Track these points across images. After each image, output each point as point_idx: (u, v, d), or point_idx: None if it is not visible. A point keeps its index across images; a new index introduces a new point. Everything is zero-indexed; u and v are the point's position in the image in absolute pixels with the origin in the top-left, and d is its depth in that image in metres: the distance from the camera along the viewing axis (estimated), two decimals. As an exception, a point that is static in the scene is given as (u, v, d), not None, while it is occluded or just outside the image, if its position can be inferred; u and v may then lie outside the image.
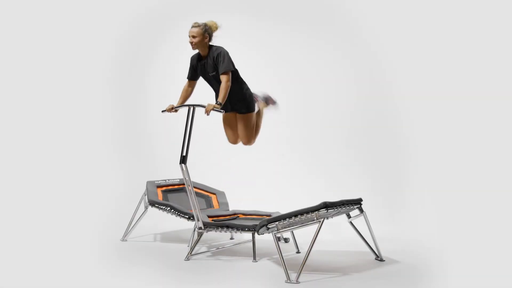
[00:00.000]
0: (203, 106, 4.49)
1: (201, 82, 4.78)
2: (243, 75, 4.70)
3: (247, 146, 4.87)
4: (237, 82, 4.60)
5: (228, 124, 4.81)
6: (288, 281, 3.86)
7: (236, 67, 4.61)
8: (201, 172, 5.72)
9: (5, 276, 4.07)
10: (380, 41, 6.53)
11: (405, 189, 6.14)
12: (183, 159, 4.48)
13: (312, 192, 6.10)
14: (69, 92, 6.87)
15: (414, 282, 3.89)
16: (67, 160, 6.68)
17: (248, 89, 4.69)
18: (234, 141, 4.86)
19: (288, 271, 3.92)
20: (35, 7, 6.74)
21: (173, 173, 5.58)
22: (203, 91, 4.85)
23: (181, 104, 4.68)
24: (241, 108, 4.68)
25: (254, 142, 4.82)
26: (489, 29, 5.80)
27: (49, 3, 6.80)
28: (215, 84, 4.63)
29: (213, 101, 4.66)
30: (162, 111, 4.73)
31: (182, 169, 4.48)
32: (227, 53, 4.52)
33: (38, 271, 4.19)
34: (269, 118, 6.71)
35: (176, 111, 4.69)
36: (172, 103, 4.70)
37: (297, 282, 3.84)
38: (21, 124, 6.54)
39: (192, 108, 4.58)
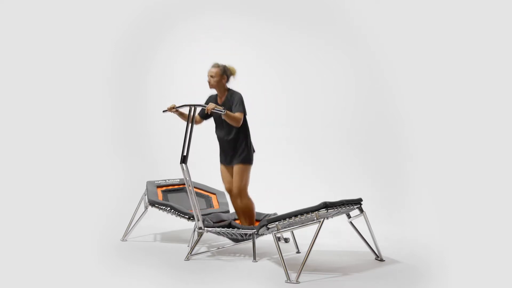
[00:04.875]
0: (204, 106, 4.51)
1: (202, 77, 4.77)
2: (243, 75, 4.71)
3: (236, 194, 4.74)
4: (244, 129, 4.66)
5: (225, 177, 4.82)
6: (288, 281, 3.86)
7: (236, 67, 4.64)
8: (201, 172, 5.72)
9: (5, 276, 4.07)
10: (380, 41, 6.53)
11: (405, 189, 6.14)
12: (184, 159, 4.49)
13: (312, 192, 6.09)
14: (69, 92, 6.87)
15: (414, 282, 3.89)
16: (67, 160, 6.68)
17: (250, 140, 4.72)
18: (230, 190, 4.83)
19: (288, 271, 3.92)
20: (35, 7, 6.74)
21: (173, 173, 5.58)
22: (204, 92, 4.86)
23: (183, 105, 4.69)
24: (240, 158, 4.66)
25: (243, 198, 4.71)
26: (489, 29, 5.79)
27: (49, 4, 6.80)
28: (224, 126, 4.67)
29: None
30: (163, 111, 4.74)
31: (183, 169, 4.48)
32: (242, 98, 4.61)
33: (38, 271, 4.19)
34: (269, 118, 6.75)
35: (177, 111, 4.70)
36: (173, 103, 4.71)
37: (297, 282, 3.84)
38: (21, 124, 6.53)
39: (193, 108, 4.58)
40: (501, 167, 5.34)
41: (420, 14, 6.29)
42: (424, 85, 6.25)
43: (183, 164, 4.48)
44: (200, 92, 4.90)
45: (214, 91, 4.75)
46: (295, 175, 6.63)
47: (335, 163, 6.62)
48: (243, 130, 4.66)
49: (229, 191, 4.84)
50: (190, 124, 4.55)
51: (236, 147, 4.67)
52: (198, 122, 4.82)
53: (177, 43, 7.09)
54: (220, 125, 4.71)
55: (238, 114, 4.55)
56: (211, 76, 4.63)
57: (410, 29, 6.34)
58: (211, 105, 4.45)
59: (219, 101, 4.71)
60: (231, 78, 4.70)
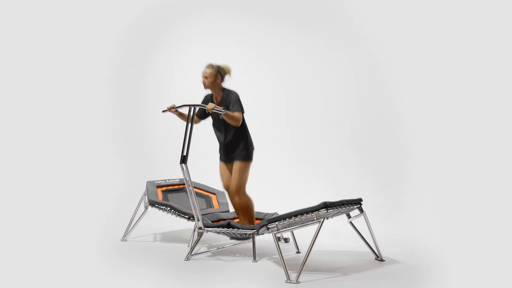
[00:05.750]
0: (204, 106, 4.51)
1: (200, 80, 4.77)
2: (243, 75, 4.71)
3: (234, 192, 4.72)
4: (243, 128, 4.66)
5: (224, 174, 4.82)
6: (288, 281, 3.86)
7: (236, 67, 4.63)
8: (201, 172, 5.72)
9: (5, 276, 4.07)
10: (379, 41, 6.52)
11: (405, 189, 6.14)
12: (184, 159, 4.49)
13: (312, 192, 6.10)
14: (69, 92, 6.86)
15: (414, 282, 3.89)
16: (67, 160, 6.67)
17: (250, 137, 4.72)
18: (228, 187, 4.83)
19: (288, 271, 3.92)
20: (35, 7, 6.74)
21: (173, 173, 5.58)
22: (203, 93, 4.86)
23: (182, 105, 4.69)
24: (240, 156, 4.67)
25: (241, 196, 4.69)
26: (489, 29, 5.79)
27: (49, 4, 6.80)
28: (223, 127, 4.66)
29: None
30: (163, 111, 4.74)
31: (183, 169, 4.49)
32: (239, 97, 4.61)
33: (38, 271, 4.19)
34: (269, 118, 6.75)
35: (176, 111, 4.70)
36: (173, 103, 4.71)
37: (297, 282, 3.84)
38: (21, 124, 6.53)
39: (192, 108, 4.58)
40: (500, 167, 5.33)
41: (420, 14, 6.28)
42: (424, 85, 6.25)
43: (183, 164, 4.49)
44: (200, 92, 4.90)
45: (209, 91, 4.75)
46: (295, 175, 6.63)
47: (335, 163, 6.61)
48: (242, 129, 4.65)
49: (227, 188, 4.84)
50: (189, 124, 4.56)
51: (235, 146, 4.67)
52: (196, 122, 4.82)
53: (177, 43, 7.09)
54: (219, 126, 4.70)
55: (237, 114, 4.55)
56: (205, 77, 4.63)
57: (410, 29, 6.34)
58: (211, 105, 4.45)
59: (215, 101, 4.71)
60: (226, 77, 4.69)
